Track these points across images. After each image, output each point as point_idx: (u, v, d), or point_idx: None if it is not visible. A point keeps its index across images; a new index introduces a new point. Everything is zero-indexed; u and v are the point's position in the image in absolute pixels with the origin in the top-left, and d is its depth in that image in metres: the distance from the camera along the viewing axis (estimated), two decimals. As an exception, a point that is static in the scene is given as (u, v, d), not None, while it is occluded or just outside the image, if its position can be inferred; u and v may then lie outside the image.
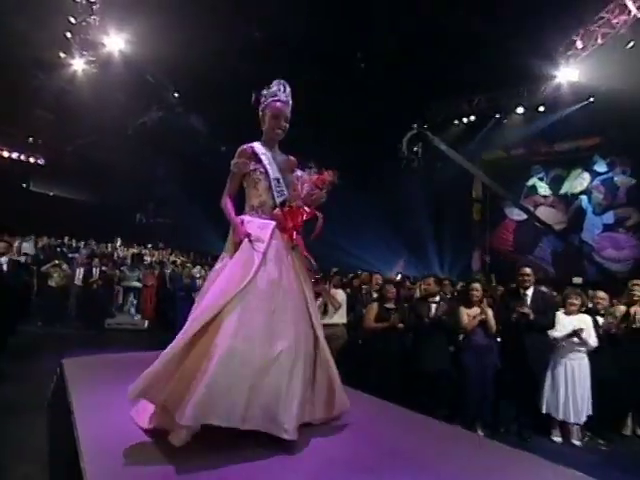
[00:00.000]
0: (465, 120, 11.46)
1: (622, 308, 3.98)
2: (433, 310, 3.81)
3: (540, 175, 11.86)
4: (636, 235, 10.72)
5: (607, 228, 11.08)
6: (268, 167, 2.14)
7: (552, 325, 3.74)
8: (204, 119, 11.99)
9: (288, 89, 2.22)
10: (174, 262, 10.24)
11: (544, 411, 3.86)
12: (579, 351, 3.77)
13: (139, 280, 8.62)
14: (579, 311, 3.80)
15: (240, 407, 1.66)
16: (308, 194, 2.14)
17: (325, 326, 4.92)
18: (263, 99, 2.21)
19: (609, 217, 11.07)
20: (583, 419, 3.74)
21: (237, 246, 2.03)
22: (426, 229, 11.87)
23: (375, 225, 10.81)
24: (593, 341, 3.72)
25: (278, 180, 2.15)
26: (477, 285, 3.97)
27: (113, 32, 9.55)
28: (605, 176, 11.07)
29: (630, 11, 7.32)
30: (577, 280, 10.46)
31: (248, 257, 1.97)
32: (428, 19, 8.18)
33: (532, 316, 3.66)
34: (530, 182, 11.95)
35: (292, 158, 2.27)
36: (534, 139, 11.27)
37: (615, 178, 10.93)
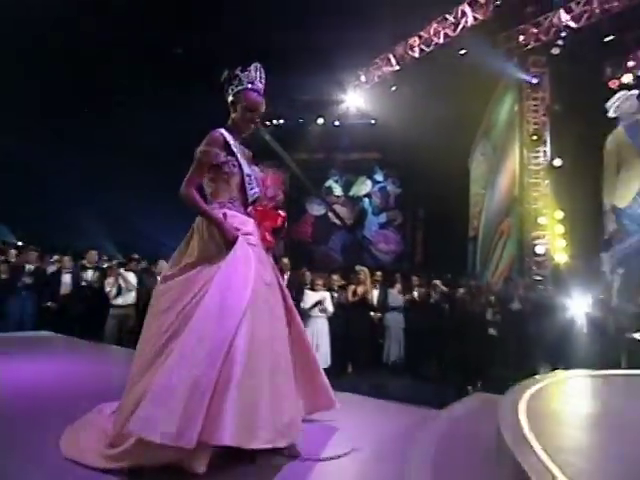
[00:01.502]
0: (281, 121, 12.72)
1: (352, 287, 5.59)
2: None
3: (335, 178, 14.06)
4: (400, 233, 13.82)
5: (381, 226, 13.94)
6: (242, 161, 1.98)
7: (301, 299, 5.07)
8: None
9: (264, 77, 2.04)
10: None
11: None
12: (321, 316, 5.20)
13: None
14: (323, 288, 5.23)
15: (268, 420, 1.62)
16: (275, 195, 2.37)
17: (119, 307, 5.34)
18: (237, 82, 2.00)
19: (383, 218, 13.94)
20: (324, 367, 5.19)
21: (225, 246, 1.83)
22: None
23: (184, 212, 11.17)
24: (330, 309, 5.19)
25: (250, 176, 2.01)
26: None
27: None
28: (381, 184, 13.88)
29: (392, 64, 9.55)
30: (361, 268, 13.01)
31: (246, 256, 1.83)
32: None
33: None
34: (327, 183, 14.06)
35: (248, 151, 2.09)
36: (331, 147, 13.33)
37: (388, 187, 13.84)
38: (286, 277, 5.21)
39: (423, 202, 12.61)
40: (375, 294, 6.06)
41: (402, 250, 13.66)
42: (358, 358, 5.59)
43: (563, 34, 8.01)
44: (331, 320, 5.28)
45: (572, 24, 7.97)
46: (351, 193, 14.09)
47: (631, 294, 7.94)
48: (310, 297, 5.12)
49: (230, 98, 2.01)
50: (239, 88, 1.98)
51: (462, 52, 8.61)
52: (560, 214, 7.97)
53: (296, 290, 5.04)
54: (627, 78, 8.40)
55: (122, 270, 5.21)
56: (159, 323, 1.77)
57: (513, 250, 8.56)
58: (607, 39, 7.85)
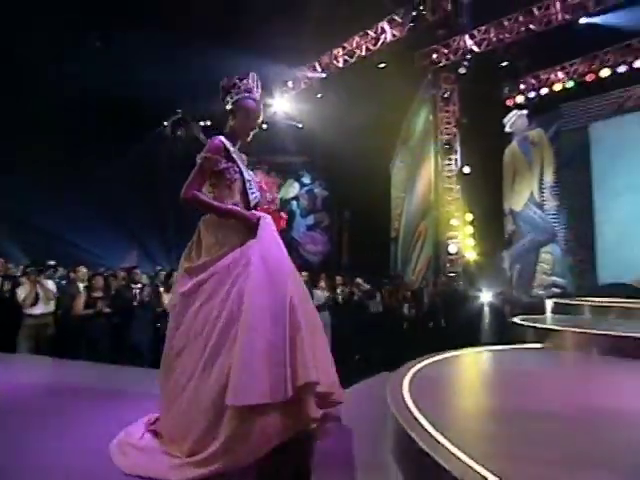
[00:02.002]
0: (208, 122, 12.53)
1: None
2: (137, 295, 4.66)
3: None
4: (327, 234, 14.30)
5: (309, 228, 14.31)
6: (242, 166, 2.06)
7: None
8: None
9: (260, 85, 2.14)
10: None
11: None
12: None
13: None
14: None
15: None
16: (273, 198, 2.19)
17: (36, 316, 5.05)
18: (235, 90, 2.09)
19: (310, 220, 14.33)
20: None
21: (239, 236, 1.91)
22: (168, 221, 12.37)
23: (106, 215, 10.61)
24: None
25: (250, 181, 2.08)
26: (177, 273, 5.04)
27: None
28: (309, 187, 14.26)
29: (318, 71, 9.93)
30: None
31: (272, 229, 1.94)
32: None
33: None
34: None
35: (245, 157, 2.15)
36: (259, 150, 13.42)
37: (315, 190, 14.25)
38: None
39: (349, 204, 13.18)
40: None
41: (329, 251, 14.15)
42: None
43: (468, 56, 8.93)
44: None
45: (475, 48, 8.92)
46: (280, 195, 14.29)
47: (525, 286, 9.12)
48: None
49: (229, 106, 2.08)
50: (238, 97, 2.06)
51: (382, 65, 9.20)
52: (470, 216, 8.87)
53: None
54: (520, 99, 9.61)
55: (41, 278, 4.93)
56: (201, 320, 1.83)
57: (429, 250, 9.35)
58: (503, 64, 8.91)
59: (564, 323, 3.93)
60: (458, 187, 8.95)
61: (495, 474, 1.23)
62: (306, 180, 14.25)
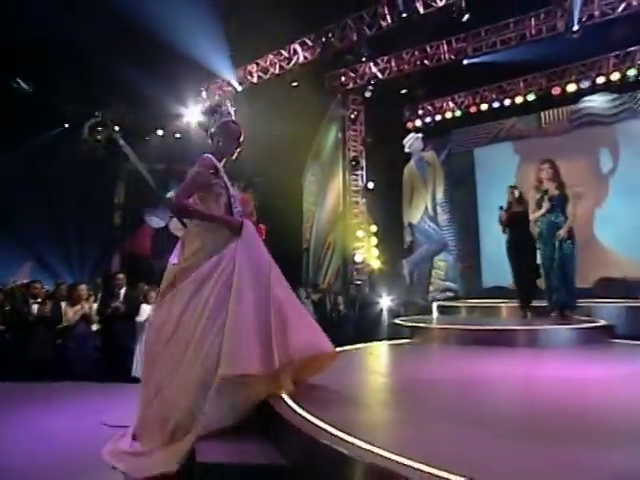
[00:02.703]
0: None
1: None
2: (35, 309, 4.44)
3: (177, 190, 13.85)
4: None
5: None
6: (228, 183, 2.30)
7: (138, 313, 5.12)
8: None
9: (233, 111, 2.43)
10: None
11: (134, 374, 5.18)
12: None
13: None
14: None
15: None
16: (251, 212, 2.55)
17: None
18: (218, 116, 2.41)
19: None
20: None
21: (224, 240, 2.16)
22: (69, 231, 11.53)
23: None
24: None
25: (234, 196, 2.33)
26: (83, 286, 4.88)
27: None
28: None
29: (233, 85, 10.12)
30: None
31: (254, 230, 2.26)
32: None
33: (123, 308, 4.91)
34: (169, 195, 13.74)
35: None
36: (172, 159, 13.13)
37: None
38: (123, 292, 5.19)
39: (263, 215, 13.34)
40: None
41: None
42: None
43: (373, 82, 9.76)
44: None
45: (379, 75, 9.79)
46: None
47: (423, 291, 10.09)
48: (145, 310, 5.21)
49: (213, 129, 2.39)
50: (222, 121, 2.40)
51: (294, 84, 9.67)
52: (374, 228, 9.62)
53: (132, 305, 5.09)
54: (418, 123, 10.69)
55: None
56: (191, 309, 2.05)
57: (338, 259, 9.93)
58: (404, 91, 9.89)
59: (439, 321, 4.64)
60: (364, 201, 9.68)
61: (344, 431, 1.51)
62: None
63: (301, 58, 9.54)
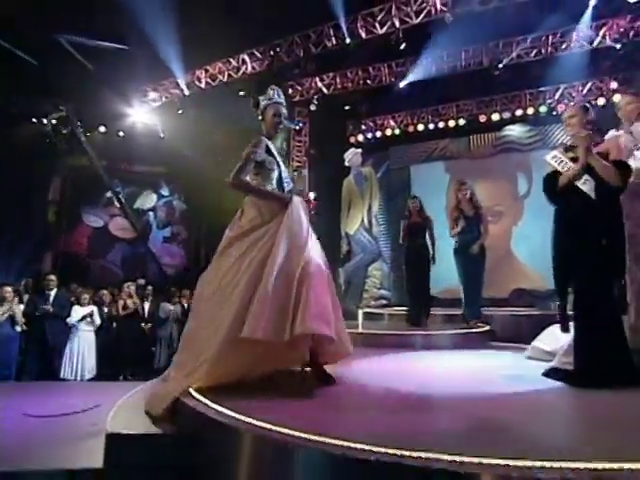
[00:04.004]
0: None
1: (121, 301, 5.93)
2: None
3: (118, 189, 13.54)
4: (185, 248, 14.24)
5: (166, 240, 14.08)
6: (279, 160, 2.57)
7: (69, 314, 5.14)
8: None
9: (281, 94, 2.80)
10: None
11: (62, 375, 5.18)
12: (88, 330, 5.36)
13: None
14: (89, 303, 5.40)
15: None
16: (302, 190, 2.76)
17: None
18: (263, 103, 2.72)
19: (167, 232, 14.13)
20: (88, 377, 5.32)
21: (277, 211, 2.42)
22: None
23: None
24: (98, 322, 5.40)
25: (285, 172, 2.59)
26: (8, 288, 4.85)
27: None
28: (167, 199, 14.10)
29: (180, 88, 10.18)
30: (141, 281, 12.77)
31: (299, 207, 2.50)
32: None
33: (52, 310, 4.93)
34: (109, 194, 13.42)
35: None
36: (114, 157, 12.85)
37: (174, 202, 14.16)
38: (53, 293, 5.17)
39: (206, 219, 13.41)
40: (147, 307, 6.51)
41: (186, 264, 14.11)
42: (130, 366, 5.92)
43: (318, 96, 10.22)
44: (100, 332, 5.50)
45: (324, 90, 10.27)
46: (136, 206, 13.81)
47: (358, 298, 10.60)
48: (77, 312, 5.25)
49: (260, 115, 2.79)
50: (263, 104, 2.79)
51: (242, 93, 9.91)
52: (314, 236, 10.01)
53: (63, 306, 5.11)
54: (360, 138, 11.29)
55: None
56: (231, 277, 2.34)
57: (279, 265, 10.21)
58: (347, 107, 10.44)
59: (361, 327, 5.14)
60: (306, 210, 10.05)
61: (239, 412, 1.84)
62: (164, 192, 14.08)
63: (249, 68, 9.80)
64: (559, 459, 1.29)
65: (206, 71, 10.24)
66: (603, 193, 2.36)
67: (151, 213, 13.94)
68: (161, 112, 11.26)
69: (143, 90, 10.78)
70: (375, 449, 1.37)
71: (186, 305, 7.00)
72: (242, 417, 1.72)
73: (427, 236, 5.58)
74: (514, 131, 10.49)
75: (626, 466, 1.26)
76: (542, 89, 9.85)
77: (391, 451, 1.34)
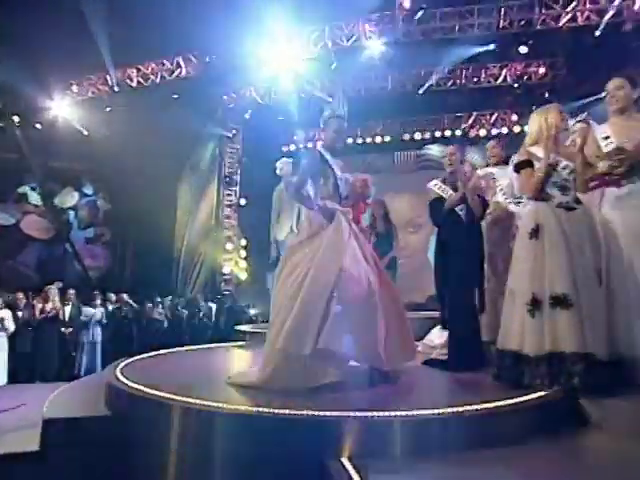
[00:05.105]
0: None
1: (39, 305, 5.72)
2: None
3: (33, 185, 12.68)
4: (109, 249, 13.64)
5: (88, 241, 13.39)
6: (335, 168, 2.73)
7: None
8: None
9: (345, 108, 2.84)
10: None
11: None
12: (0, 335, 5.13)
13: None
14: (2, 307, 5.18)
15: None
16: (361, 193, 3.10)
17: None
18: (326, 113, 2.81)
19: (90, 232, 13.45)
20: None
21: (328, 220, 2.60)
22: None
23: None
24: (12, 327, 5.19)
25: (341, 180, 2.75)
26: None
27: None
28: (90, 198, 13.43)
29: (109, 85, 9.88)
30: (58, 284, 12.00)
31: (341, 222, 2.62)
32: None
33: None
34: (21, 190, 12.51)
35: (339, 161, 2.84)
36: (30, 150, 12.03)
37: (98, 201, 13.52)
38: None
39: (134, 221, 12.97)
40: (68, 310, 6.31)
41: (110, 266, 13.53)
42: (47, 372, 5.71)
43: (252, 106, 10.46)
44: (16, 337, 5.28)
45: (259, 100, 10.53)
46: (54, 203, 13.00)
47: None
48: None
49: (322, 125, 2.87)
50: (327, 114, 2.85)
51: (175, 96, 9.85)
52: (244, 242, 10.20)
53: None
54: (293, 147, 11.67)
55: None
56: (293, 276, 2.52)
57: (208, 269, 10.25)
58: (281, 118, 10.77)
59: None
60: (235, 216, 10.22)
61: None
62: (88, 190, 13.40)
63: (184, 72, 9.78)
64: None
65: (138, 70, 10.03)
66: (471, 220, 2.95)
67: (72, 212, 13.19)
68: (87, 108, 10.79)
69: (67, 83, 10.29)
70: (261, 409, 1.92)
71: (111, 308, 6.85)
72: (170, 395, 2.07)
73: None
74: (433, 150, 11.46)
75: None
76: (458, 114, 10.92)
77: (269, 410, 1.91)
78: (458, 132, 10.86)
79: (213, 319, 8.55)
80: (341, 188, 2.81)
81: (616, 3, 6.51)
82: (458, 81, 9.83)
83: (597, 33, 6.96)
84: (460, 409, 1.91)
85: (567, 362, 2.21)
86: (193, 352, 4.26)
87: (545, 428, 1.98)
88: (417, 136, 11.33)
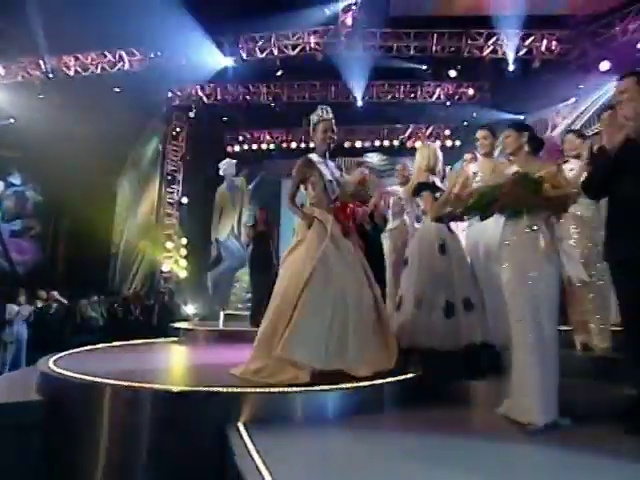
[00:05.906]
0: None
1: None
2: None
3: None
4: (37, 243, 12.94)
5: (14, 234, 12.63)
6: (325, 172, 2.87)
7: None
8: None
9: (330, 111, 3.00)
10: None
11: None
12: None
13: None
14: None
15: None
16: (357, 192, 3.33)
17: None
18: (314, 120, 2.96)
19: (17, 225, 12.69)
20: None
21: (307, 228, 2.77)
22: None
23: None
24: None
25: (330, 182, 2.88)
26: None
27: None
28: (18, 188, 12.67)
29: (43, 71, 9.43)
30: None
31: (320, 232, 2.74)
32: None
33: None
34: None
35: (332, 163, 3.01)
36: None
37: (27, 192, 12.79)
38: None
39: (68, 214, 12.44)
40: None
41: (40, 261, 12.85)
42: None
43: (197, 103, 10.48)
44: None
45: (205, 99, 10.57)
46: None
47: (225, 301, 11.06)
48: None
49: (312, 132, 3.03)
50: (314, 121, 3.01)
51: (117, 90, 9.65)
52: (184, 240, 10.20)
53: None
54: (237, 148, 11.82)
55: None
56: (277, 288, 2.75)
57: (147, 267, 10.14)
58: (226, 118, 10.89)
59: (203, 325, 5.76)
60: (177, 214, 10.20)
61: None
62: (15, 180, 12.63)
63: (127, 66, 9.60)
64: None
65: (76, 59, 9.70)
66: (375, 233, 3.48)
67: (-5, 202, 12.39)
68: (16, 92, 10.23)
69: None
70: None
71: (40, 305, 6.67)
72: (99, 379, 2.33)
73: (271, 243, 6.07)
74: (373, 158, 12.10)
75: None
76: (397, 126, 11.63)
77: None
78: (396, 142, 11.56)
79: (150, 317, 8.53)
80: (329, 191, 2.93)
81: (527, 43, 7.42)
82: (397, 95, 10.51)
83: (510, 68, 7.87)
84: (341, 386, 2.40)
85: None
86: (126, 346, 4.36)
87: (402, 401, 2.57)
88: (358, 144, 11.90)
